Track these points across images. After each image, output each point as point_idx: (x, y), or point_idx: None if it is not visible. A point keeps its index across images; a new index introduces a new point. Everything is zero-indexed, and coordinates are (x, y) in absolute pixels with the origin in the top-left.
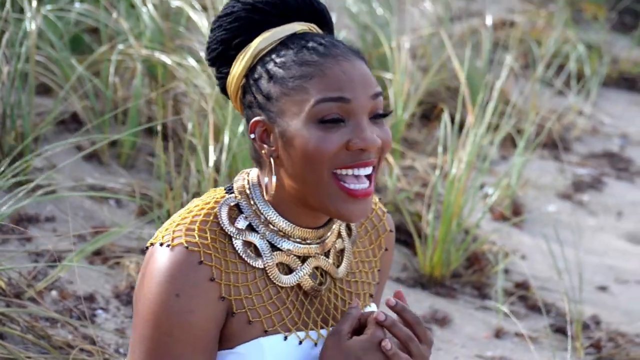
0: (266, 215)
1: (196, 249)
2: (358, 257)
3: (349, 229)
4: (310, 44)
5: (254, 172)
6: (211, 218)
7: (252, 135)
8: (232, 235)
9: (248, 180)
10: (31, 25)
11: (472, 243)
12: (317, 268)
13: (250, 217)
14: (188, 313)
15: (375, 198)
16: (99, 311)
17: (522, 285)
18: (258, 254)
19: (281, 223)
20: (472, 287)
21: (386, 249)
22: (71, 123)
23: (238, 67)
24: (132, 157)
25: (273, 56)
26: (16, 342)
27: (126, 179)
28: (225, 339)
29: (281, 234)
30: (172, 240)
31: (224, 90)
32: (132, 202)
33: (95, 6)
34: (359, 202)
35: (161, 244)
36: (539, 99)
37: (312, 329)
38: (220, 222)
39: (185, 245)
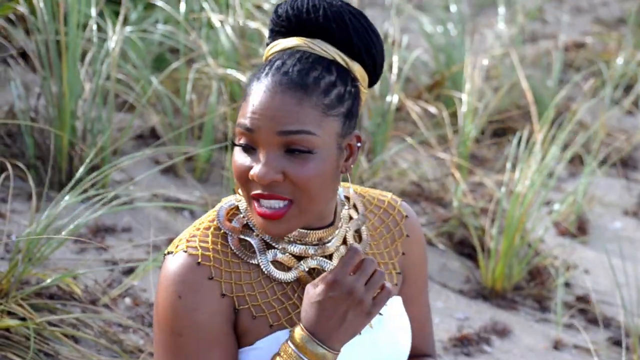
0: None
1: (195, 252)
2: (375, 249)
3: (358, 235)
4: (267, 67)
5: None
6: (214, 223)
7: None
8: (227, 233)
9: None
10: (112, 44)
11: (535, 257)
12: (313, 269)
13: (247, 217)
14: (192, 312)
15: (397, 201)
16: None
17: (583, 299)
18: (254, 252)
19: None
20: (533, 300)
21: (407, 236)
22: (149, 138)
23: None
24: (207, 170)
25: (261, 66)
26: (89, 346)
27: (200, 192)
28: (242, 336)
29: None
30: (176, 247)
31: None
32: (204, 213)
33: (177, 27)
34: (269, 221)
35: (169, 252)
36: (608, 118)
37: None
38: (218, 222)
39: (185, 250)
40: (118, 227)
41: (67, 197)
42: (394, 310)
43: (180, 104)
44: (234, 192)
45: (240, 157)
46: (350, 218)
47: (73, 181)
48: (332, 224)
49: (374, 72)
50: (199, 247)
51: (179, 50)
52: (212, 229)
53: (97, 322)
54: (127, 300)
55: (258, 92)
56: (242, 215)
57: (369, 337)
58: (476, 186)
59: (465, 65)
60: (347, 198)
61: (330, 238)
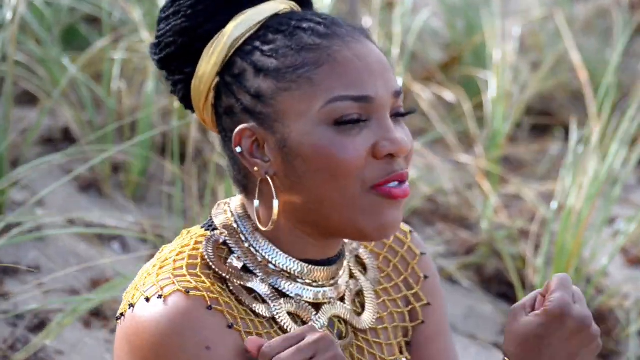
0: (263, 253)
1: (199, 292)
2: (383, 296)
3: (361, 266)
4: (306, 24)
5: (235, 202)
6: (199, 261)
7: (238, 149)
8: (227, 278)
9: (232, 212)
10: (9, 13)
11: (596, 296)
12: (334, 317)
13: (244, 258)
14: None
15: (405, 232)
16: None
17: None
18: (263, 300)
19: (283, 260)
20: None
21: (426, 277)
22: (62, 142)
23: (208, 63)
24: (142, 186)
25: (257, 44)
26: None
27: (134, 215)
28: None
29: (285, 274)
30: (162, 290)
31: (185, 98)
32: (142, 244)
33: None
34: (396, 206)
35: (147, 300)
36: None
37: None
38: (211, 264)
39: (184, 289)
40: (21, 265)
41: None
42: None
43: (104, 95)
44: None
45: (344, 140)
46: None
47: None
48: (340, 254)
49: None
50: (201, 288)
51: (99, 19)
52: (198, 267)
53: None
54: None
55: (348, 46)
56: (236, 255)
57: None
58: (511, 200)
59: (492, 34)
60: None
61: (341, 272)
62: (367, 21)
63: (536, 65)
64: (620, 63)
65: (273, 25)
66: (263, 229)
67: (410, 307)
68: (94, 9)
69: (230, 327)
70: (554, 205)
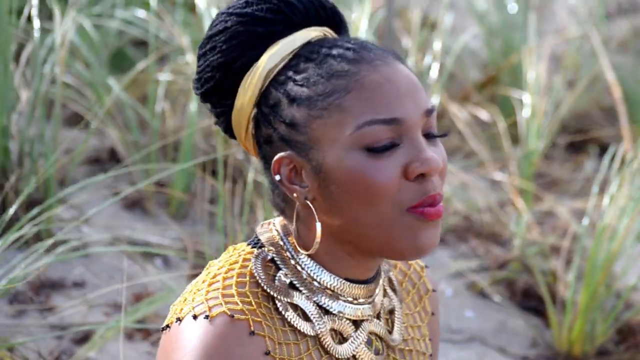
0: (308, 271)
1: (243, 317)
2: (406, 322)
3: (391, 284)
4: (335, 51)
5: (278, 221)
6: (247, 279)
7: (278, 177)
8: (275, 296)
9: (277, 231)
10: (59, 37)
11: (626, 311)
12: (371, 333)
13: (290, 274)
14: None
15: (422, 267)
16: None
17: None
18: (306, 318)
19: (327, 278)
20: None
21: (433, 314)
22: (108, 162)
23: (245, 95)
24: (185, 204)
25: (290, 73)
26: None
27: (176, 232)
28: None
29: (329, 292)
30: (210, 310)
31: (228, 128)
32: (183, 260)
33: (143, 12)
34: (432, 226)
35: (194, 317)
36: None
37: None
38: (260, 281)
39: (230, 313)
40: (67, 281)
41: (0, 242)
42: None
43: (149, 116)
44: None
45: (377, 164)
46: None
47: (2, 220)
48: (377, 273)
49: None
50: (246, 312)
51: (146, 43)
52: (247, 286)
53: None
54: None
55: (376, 70)
56: (283, 272)
57: None
58: (545, 217)
59: (527, 53)
60: None
61: (377, 291)
62: (406, 42)
63: (572, 84)
64: None
65: (304, 54)
66: (304, 252)
67: (423, 337)
68: (141, 32)
69: (267, 354)
70: (586, 221)
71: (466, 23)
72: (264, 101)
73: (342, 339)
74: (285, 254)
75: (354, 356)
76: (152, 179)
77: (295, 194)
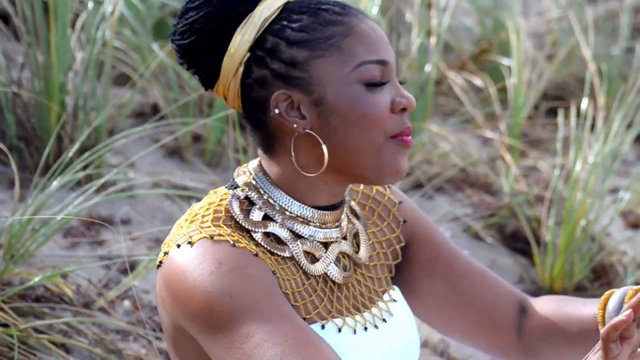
0: (280, 203)
1: (222, 238)
2: (373, 238)
3: (353, 211)
4: (324, 6)
5: (253, 164)
6: (222, 214)
7: (277, 111)
8: (250, 228)
9: (250, 172)
10: (109, 7)
11: (599, 252)
12: (340, 253)
13: (264, 207)
14: (243, 269)
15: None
16: None
17: None
18: (281, 243)
19: (297, 208)
20: None
21: (405, 221)
22: (151, 116)
23: (240, 41)
24: (217, 153)
25: (285, 22)
26: (83, 357)
27: (210, 178)
28: None
29: (300, 219)
30: (191, 238)
31: (207, 79)
32: None
33: None
34: (406, 153)
35: (178, 246)
36: None
37: (347, 316)
38: (235, 216)
39: (209, 236)
40: (115, 218)
41: (55, 183)
42: (401, 298)
43: (188, 77)
44: (236, 176)
45: (372, 97)
46: None
47: (59, 163)
48: (342, 201)
49: None
50: (224, 234)
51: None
52: (222, 220)
53: (91, 329)
54: (127, 303)
55: (363, 22)
56: (257, 206)
57: (378, 334)
58: (530, 170)
59: (515, 30)
60: None
61: (343, 216)
62: (408, 17)
63: (551, 57)
64: (623, 58)
65: (295, 7)
66: (309, 175)
67: (391, 248)
68: (181, 4)
69: (256, 255)
70: (557, 172)
71: (461, 3)
72: (259, 46)
73: (314, 258)
74: (258, 191)
75: (325, 273)
76: (188, 129)
77: (295, 125)
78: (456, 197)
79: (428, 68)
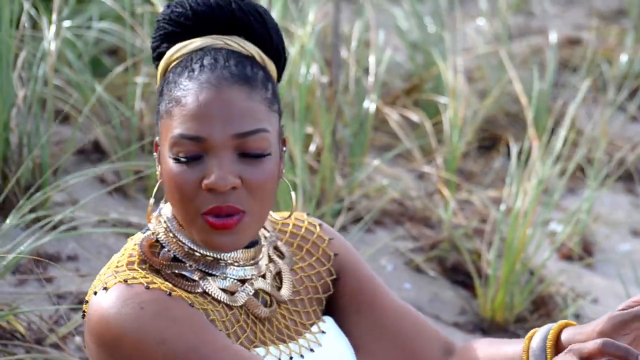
0: (190, 245)
1: (136, 280)
2: (300, 273)
3: (278, 251)
4: (196, 64)
5: (167, 209)
6: (135, 258)
7: (155, 154)
8: (158, 268)
9: (161, 214)
10: (50, 45)
11: (538, 285)
12: (259, 290)
13: (173, 249)
14: (166, 311)
15: (303, 215)
16: None
17: None
18: (192, 281)
19: (204, 251)
20: None
21: (336, 254)
22: (92, 153)
23: (158, 76)
24: (161, 189)
25: (174, 69)
26: None
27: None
28: None
29: (210, 258)
30: (106, 284)
31: None
32: None
33: (118, 24)
34: (222, 234)
35: (95, 293)
36: (611, 125)
37: (271, 345)
38: (145, 258)
39: (123, 280)
40: (62, 255)
41: (7, 221)
42: (334, 329)
43: (129, 114)
44: (149, 221)
45: (184, 171)
46: (264, 237)
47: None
48: (257, 241)
49: (281, 71)
50: (137, 277)
51: (115, 51)
52: (136, 264)
53: None
54: (77, 339)
55: (199, 91)
56: (166, 249)
57: None
58: (464, 204)
59: (448, 66)
60: None
61: (260, 256)
62: (344, 54)
63: (481, 92)
64: (550, 91)
65: (194, 56)
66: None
67: (321, 281)
68: (117, 40)
69: (169, 294)
70: (502, 207)
71: (392, 40)
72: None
73: (230, 294)
74: (169, 234)
75: (245, 306)
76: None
77: (157, 173)
78: (396, 231)
79: (367, 104)
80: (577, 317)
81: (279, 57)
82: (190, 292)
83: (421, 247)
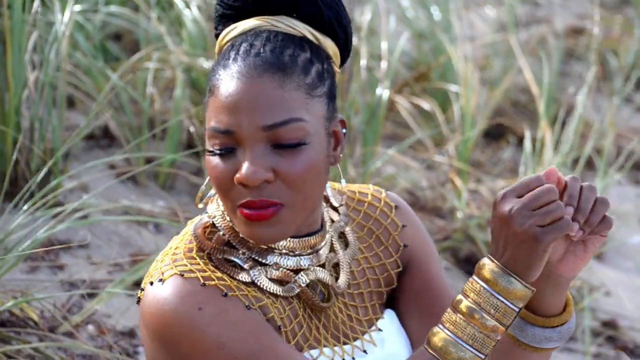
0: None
1: (193, 275)
2: (364, 264)
3: (344, 238)
4: (232, 52)
5: None
6: (194, 244)
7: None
8: (211, 252)
9: (217, 201)
10: (62, 27)
11: None
12: (318, 281)
13: (227, 234)
14: (224, 313)
15: (381, 192)
16: (141, 348)
17: (610, 325)
18: (241, 268)
19: None
20: None
21: (405, 246)
22: (102, 138)
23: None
24: (171, 176)
25: (221, 54)
26: None
27: (165, 202)
28: None
29: (263, 247)
30: (162, 274)
31: None
32: (172, 226)
33: (127, 7)
34: (261, 225)
35: (152, 284)
36: (617, 116)
37: (325, 346)
38: (197, 242)
39: (179, 272)
40: (73, 243)
41: (23, 210)
42: (392, 326)
43: (141, 99)
44: (197, 206)
45: (218, 164)
46: (332, 221)
47: (22, 193)
48: (321, 228)
49: (346, 48)
50: (194, 270)
51: (120, 36)
52: (194, 251)
53: (58, 353)
54: (91, 327)
55: (229, 82)
56: (221, 233)
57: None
58: (472, 194)
59: (457, 55)
60: (325, 197)
61: (322, 244)
62: (355, 41)
63: (486, 81)
64: (556, 81)
65: (233, 42)
66: None
67: (385, 274)
68: (127, 24)
69: (225, 295)
70: None
71: (398, 28)
72: None
73: (283, 284)
74: (225, 218)
75: (298, 296)
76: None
77: None
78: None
79: (379, 91)
80: (593, 310)
81: (335, 33)
82: (239, 281)
83: (434, 238)
